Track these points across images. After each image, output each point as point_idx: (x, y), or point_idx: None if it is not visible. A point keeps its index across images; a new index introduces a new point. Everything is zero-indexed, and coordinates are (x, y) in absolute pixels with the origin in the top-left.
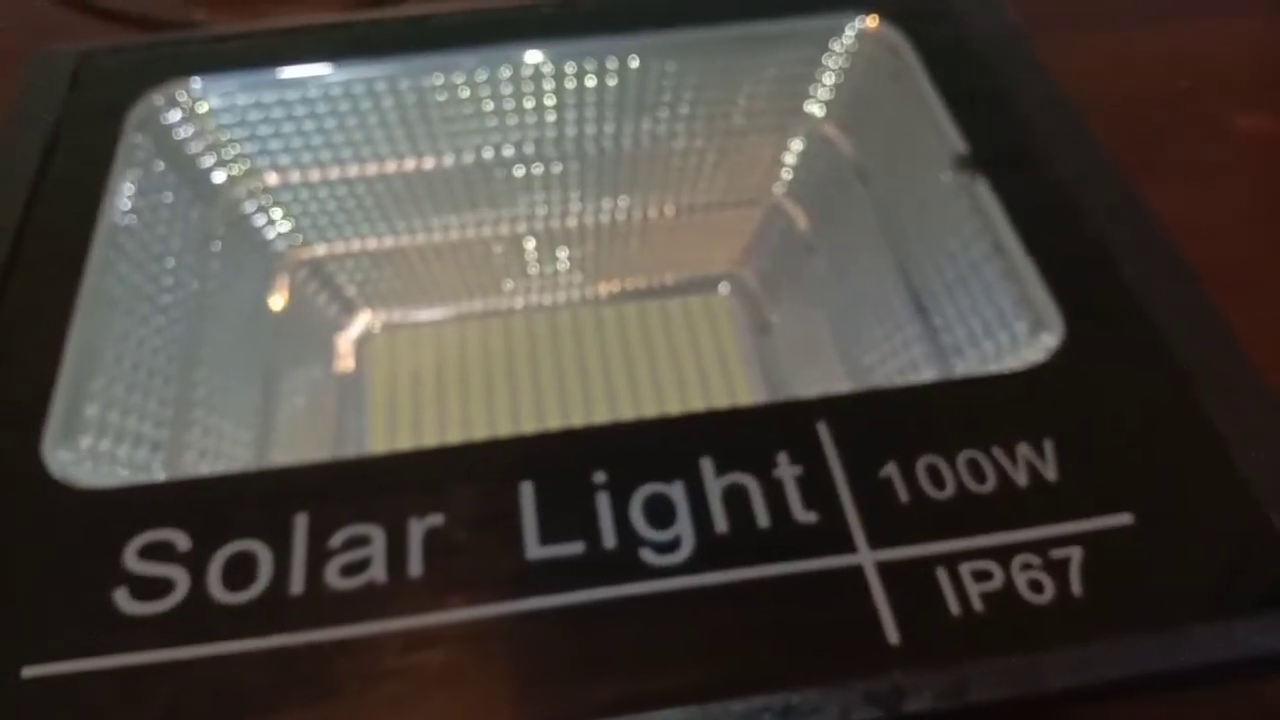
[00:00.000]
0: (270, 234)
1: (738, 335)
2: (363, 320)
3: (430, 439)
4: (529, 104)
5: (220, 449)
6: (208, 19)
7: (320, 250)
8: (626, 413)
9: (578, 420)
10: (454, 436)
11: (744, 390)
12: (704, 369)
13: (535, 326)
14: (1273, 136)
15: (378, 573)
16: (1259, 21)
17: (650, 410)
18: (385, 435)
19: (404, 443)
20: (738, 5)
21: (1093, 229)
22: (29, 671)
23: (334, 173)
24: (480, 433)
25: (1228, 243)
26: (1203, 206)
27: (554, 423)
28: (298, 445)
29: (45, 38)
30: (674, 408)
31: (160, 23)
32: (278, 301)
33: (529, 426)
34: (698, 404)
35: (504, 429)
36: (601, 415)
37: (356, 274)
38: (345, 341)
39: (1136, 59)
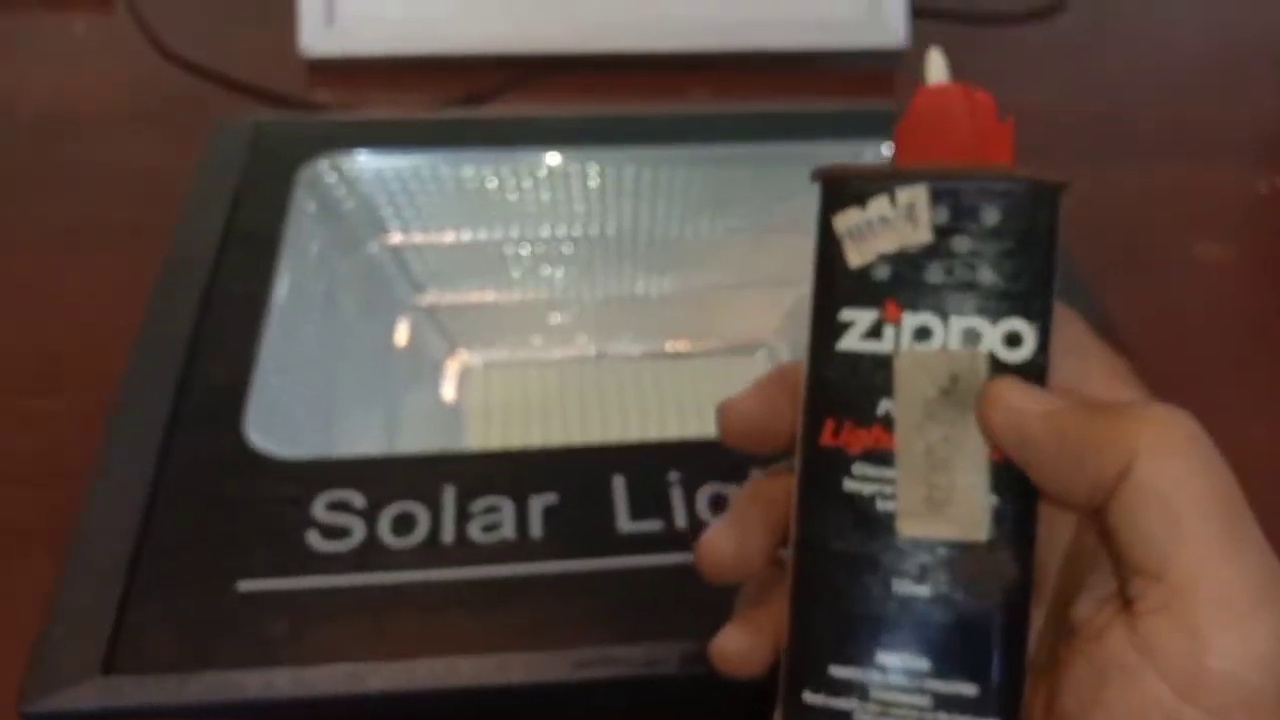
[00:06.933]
0: (395, 282)
1: None
2: (464, 358)
3: None
4: (617, 194)
5: (364, 436)
6: (330, 99)
7: (432, 298)
8: None
9: None
10: None
11: None
12: None
13: (603, 374)
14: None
15: (508, 532)
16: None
17: None
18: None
19: None
20: (794, 129)
21: None
22: (243, 586)
23: (448, 237)
24: None
25: None
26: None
27: None
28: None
29: (181, 103)
30: None
31: (285, 98)
32: (400, 337)
33: None
34: None
35: None
36: None
37: (461, 320)
38: (449, 373)
39: (1123, 192)
